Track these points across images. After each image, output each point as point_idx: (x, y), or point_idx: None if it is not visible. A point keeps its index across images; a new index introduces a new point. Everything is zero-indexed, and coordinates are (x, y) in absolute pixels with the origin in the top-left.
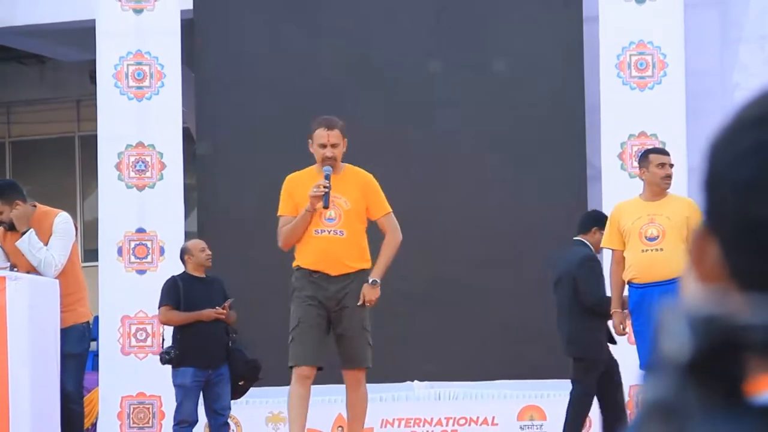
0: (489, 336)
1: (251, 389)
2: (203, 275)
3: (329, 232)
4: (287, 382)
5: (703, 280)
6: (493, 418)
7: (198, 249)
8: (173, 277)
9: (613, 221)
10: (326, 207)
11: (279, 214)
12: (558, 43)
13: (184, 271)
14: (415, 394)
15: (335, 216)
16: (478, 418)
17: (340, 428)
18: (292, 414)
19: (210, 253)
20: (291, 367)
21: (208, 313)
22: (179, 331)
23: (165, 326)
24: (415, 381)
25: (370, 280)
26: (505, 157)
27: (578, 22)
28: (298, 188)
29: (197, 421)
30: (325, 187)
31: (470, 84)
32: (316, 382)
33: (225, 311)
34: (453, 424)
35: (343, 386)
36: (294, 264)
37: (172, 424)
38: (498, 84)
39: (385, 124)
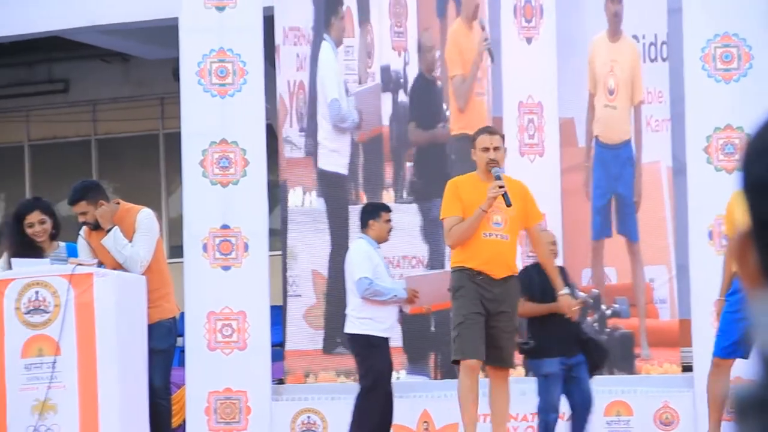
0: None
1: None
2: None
3: (497, 236)
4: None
5: (747, 282)
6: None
7: (551, 241)
8: (526, 267)
9: (729, 210)
10: (509, 205)
11: (445, 215)
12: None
13: (535, 262)
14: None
15: (502, 221)
16: (564, 414)
17: (425, 424)
18: (463, 405)
19: (552, 248)
20: (455, 362)
21: (561, 307)
22: (536, 322)
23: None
24: None
25: (564, 291)
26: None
27: (662, 14)
28: (464, 192)
29: (559, 410)
30: (500, 187)
31: None
32: (403, 377)
33: (582, 302)
34: (533, 420)
35: (430, 382)
36: (456, 264)
37: (537, 412)
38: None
39: None
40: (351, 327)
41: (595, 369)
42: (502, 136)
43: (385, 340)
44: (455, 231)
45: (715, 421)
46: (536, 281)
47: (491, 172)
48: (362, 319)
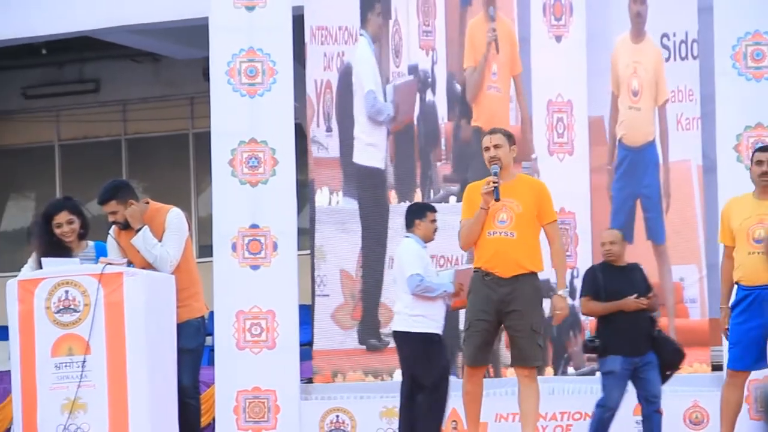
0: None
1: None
2: (624, 263)
3: (501, 234)
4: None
5: None
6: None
7: (600, 241)
8: (592, 267)
9: (724, 217)
10: (497, 200)
11: (461, 219)
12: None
13: (602, 261)
14: None
15: (507, 219)
16: (594, 413)
17: (453, 423)
18: (465, 408)
19: (609, 248)
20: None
21: (628, 303)
22: (603, 321)
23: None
24: None
25: (560, 292)
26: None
27: (693, 13)
28: (478, 195)
29: (617, 410)
30: (494, 182)
31: None
32: None
33: (648, 301)
34: (568, 419)
35: (458, 381)
36: (474, 265)
37: (594, 406)
38: None
39: None
40: (404, 325)
41: (667, 369)
42: (506, 134)
43: (440, 336)
44: (461, 232)
45: (726, 430)
46: (600, 280)
47: (491, 169)
48: (415, 316)
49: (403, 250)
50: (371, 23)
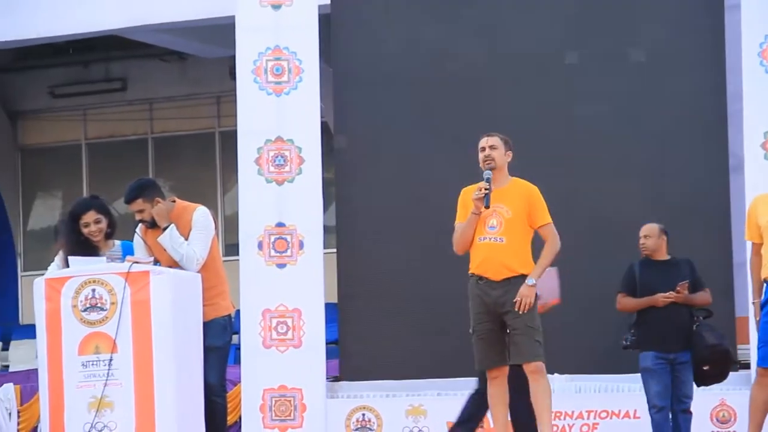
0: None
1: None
2: (665, 258)
3: (491, 239)
4: (427, 375)
5: None
6: (635, 411)
7: (643, 234)
8: (632, 264)
9: (750, 214)
10: (487, 207)
11: (455, 223)
12: (699, 31)
13: (645, 256)
14: (556, 387)
15: (497, 224)
16: (620, 411)
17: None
18: (491, 413)
19: (644, 242)
20: None
21: (656, 298)
22: (639, 317)
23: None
24: (555, 374)
25: (527, 281)
26: (645, 149)
27: (719, 10)
28: (471, 199)
29: (666, 406)
30: (485, 189)
31: (608, 75)
32: (457, 374)
33: (679, 294)
34: (594, 417)
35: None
36: (469, 270)
37: None
38: (637, 74)
39: (523, 117)
40: None
41: (701, 365)
42: (503, 138)
43: None
44: (454, 236)
45: (754, 428)
46: (637, 277)
47: (483, 174)
48: None
49: None
50: None
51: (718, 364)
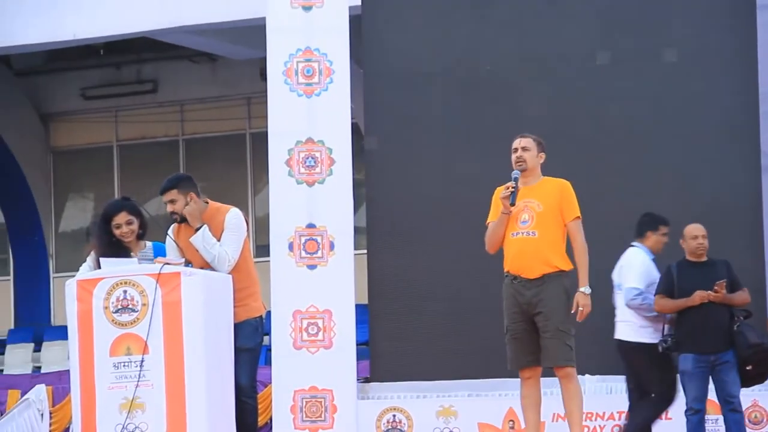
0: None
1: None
2: (701, 260)
3: (523, 234)
4: (458, 376)
5: None
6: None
7: (690, 236)
8: (670, 265)
9: None
10: (512, 204)
11: (487, 222)
12: (730, 31)
13: (683, 258)
14: (587, 388)
15: (528, 218)
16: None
17: (511, 422)
18: (523, 412)
19: (702, 242)
20: None
21: (693, 299)
22: (678, 318)
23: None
24: (587, 375)
25: (583, 289)
26: (677, 149)
27: (752, 10)
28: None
29: (702, 409)
30: (512, 187)
31: (639, 75)
32: (488, 375)
33: (717, 293)
34: (625, 419)
35: (516, 381)
36: (504, 269)
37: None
38: (669, 75)
39: (553, 117)
40: (630, 335)
41: (745, 365)
42: (537, 140)
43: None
44: (486, 236)
45: None
46: (674, 277)
47: (512, 174)
48: (643, 327)
49: (632, 259)
50: None
51: (760, 365)
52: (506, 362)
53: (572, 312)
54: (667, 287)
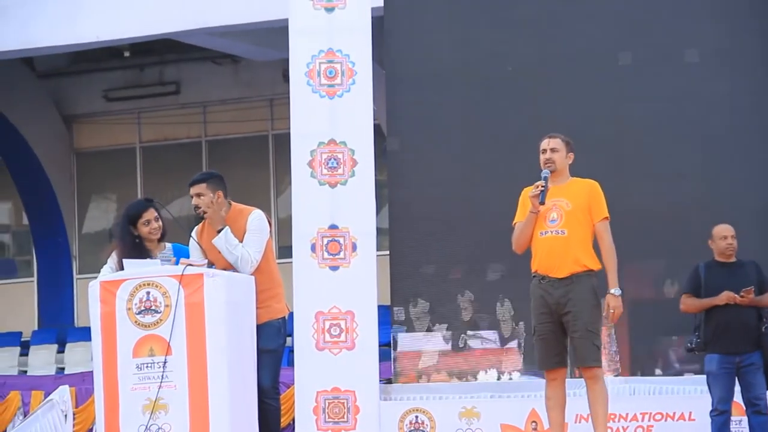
0: (687, 330)
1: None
2: (730, 260)
3: (552, 233)
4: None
5: None
6: (690, 413)
7: (719, 236)
8: (697, 263)
9: None
10: (542, 203)
11: (514, 222)
12: (752, 31)
13: (712, 258)
14: (610, 389)
15: (557, 217)
16: (674, 413)
17: (533, 423)
18: (548, 415)
19: (731, 242)
20: None
21: (719, 298)
22: (704, 318)
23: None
24: (610, 376)
25: (612, 291)
26: (699, 150)
27: None
28: (528, 197)
29: (728, 410)
30: (542, 186)
31: (661, 76)
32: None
33: (743, 299)
34: (649, 420)
35: (538, 382)
36: (532, 269)
37: None
38: (691, 75)
39: (576, 118)
40: None
41: None
42: (565, 140)
43: None
44: (513, 234)
45: None
46: (702, 277)
47: (542, 173)
48: None
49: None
50: None
51: None
52: (534, 364)
53: (603, 315)
54: (694, 287)
